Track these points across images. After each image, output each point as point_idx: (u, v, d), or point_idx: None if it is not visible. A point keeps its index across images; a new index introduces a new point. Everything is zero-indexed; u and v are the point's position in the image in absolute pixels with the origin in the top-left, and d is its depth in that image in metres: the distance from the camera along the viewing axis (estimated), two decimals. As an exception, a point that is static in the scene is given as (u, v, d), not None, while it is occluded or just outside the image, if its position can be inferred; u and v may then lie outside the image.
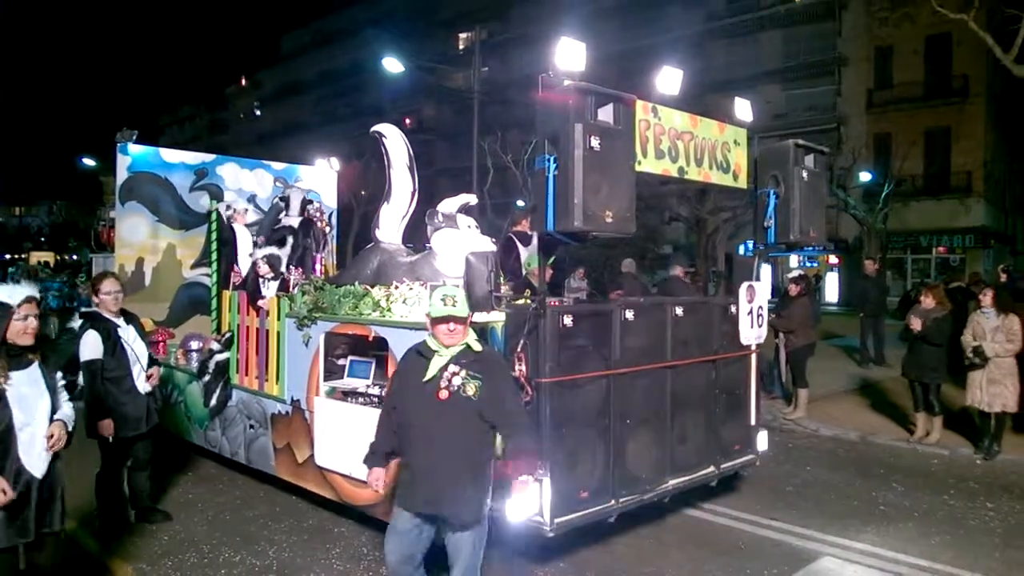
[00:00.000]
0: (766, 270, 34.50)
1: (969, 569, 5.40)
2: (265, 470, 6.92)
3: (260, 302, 6.82)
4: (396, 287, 6.03)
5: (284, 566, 5.39)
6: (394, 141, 6.46)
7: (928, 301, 8.80)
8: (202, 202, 10.03)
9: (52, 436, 3.73)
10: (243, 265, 9.11)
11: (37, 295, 3.76)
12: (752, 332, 6.43)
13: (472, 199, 6.36)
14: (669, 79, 5.64)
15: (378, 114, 41.01)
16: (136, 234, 9.51)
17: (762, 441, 6.66)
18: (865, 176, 30.48)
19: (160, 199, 9.67)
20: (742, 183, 6.42)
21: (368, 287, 6.19)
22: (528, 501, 4.82)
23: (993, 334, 8.21)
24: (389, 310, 5.89)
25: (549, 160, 4.48)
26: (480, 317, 5.46)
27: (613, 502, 5.30)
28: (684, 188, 31.22)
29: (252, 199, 10.36)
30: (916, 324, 8.62)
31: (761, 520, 6.34)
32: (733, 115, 6.32)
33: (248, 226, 9.49)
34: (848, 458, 8.55)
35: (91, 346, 5.58)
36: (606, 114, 4.65)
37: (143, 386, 5.77)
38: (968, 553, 5.70)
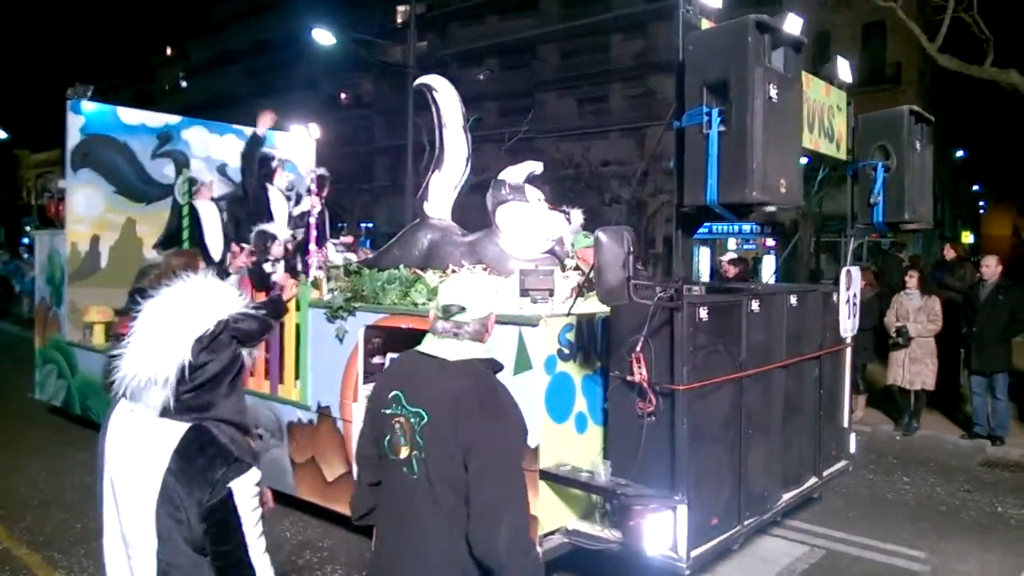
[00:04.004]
0: (705, 253, 33.94)
1: (881, 539, 5.65)
2: (279, 488, 5.79)
3: (284, 284, 5.66)
4: (454, 271, 5.06)
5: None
6: (447, 96, 5.39)
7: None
8: (165, 171, 8.70)
9: (268, 499, 2.39)
10: (211, 246, 7.95)
11: None
12: (849, 323, 5.70)
13: (538, 167, 5.40)
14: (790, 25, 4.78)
15: (312, 88, 38.98)
16: (90, 207, 8.11)
17: (853, 444, 5.97)
18: (802, 160, 30.56)
19: (118, 167, 8.28)
20: (842, 154, 5.67)
21: (418, 271, 5.17)
22: (661, 533, 3.97)
23: (916, 315, 8.48)
24: (449, 299, 4.90)
25: (711, 113, 3.56)
26: (582, 307, 4.54)
27: (739, 526, 4.48)
28: (625, 170, 31.03)
29: (222, 168, 9.05)
30: None
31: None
32: (835, 76, 5.53)
33: (216, 200, 8.28)
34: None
35: None
36: (776, 60, 3.76)
37: None
38: (882, 525, 5.96)
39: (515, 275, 4.64)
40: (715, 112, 3.55)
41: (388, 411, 2.48)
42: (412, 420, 2.42)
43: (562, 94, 35.34)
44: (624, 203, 30.38)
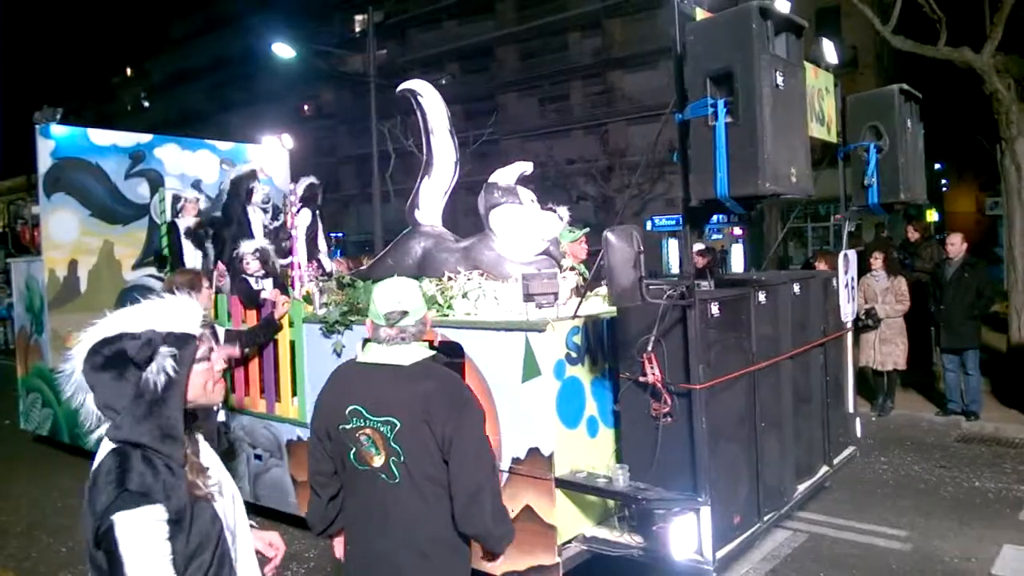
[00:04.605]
0: (674, 245, 33.96)
1: (862, 520, 5.74)
2: (281, 508, 5.68)
3: (276, 302, 5.50)
4: (450, 278, 4.95)
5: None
6: (432, 100, 5.26)
7: (821, 266, 8.72)
8: (140, 190, 8.49)
9: (276, 552, 2.37)
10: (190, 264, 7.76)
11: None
12: (848, 307, 5.68)
13: (528, 167, 5.30)
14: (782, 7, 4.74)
15: (276, 100, 38.60)
16: (66, 232, 7.88)
17: (859, 428, 5.94)
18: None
19: (92, 189, 8.05)
20: (833, 136, 5.64)
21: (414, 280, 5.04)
22: (686, 536, 3.90)
23: (883, 296, 8.51)
24: (449, 307, 4.80)
25: (717, 104, 3.48)
26: (587, 308, 4.45)
27: (759, 522, 4.42)
28: (590, 167, 31.04)
29: (197, 184, 8.85)
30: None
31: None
32: (822, 58, 5.51)
33: (199, 220, 8.08)
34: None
35: None
36: (779, 46, 3.70)
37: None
38: (862, 505, 6.04)
39: (516, 280, 4.54)
40: (721, 103, 3.47)
41: (349, 426, 2.58)
42: (383, 429, 2.53)
43: (523, 95, 35.31)
44: (591, 200, 30.46)
